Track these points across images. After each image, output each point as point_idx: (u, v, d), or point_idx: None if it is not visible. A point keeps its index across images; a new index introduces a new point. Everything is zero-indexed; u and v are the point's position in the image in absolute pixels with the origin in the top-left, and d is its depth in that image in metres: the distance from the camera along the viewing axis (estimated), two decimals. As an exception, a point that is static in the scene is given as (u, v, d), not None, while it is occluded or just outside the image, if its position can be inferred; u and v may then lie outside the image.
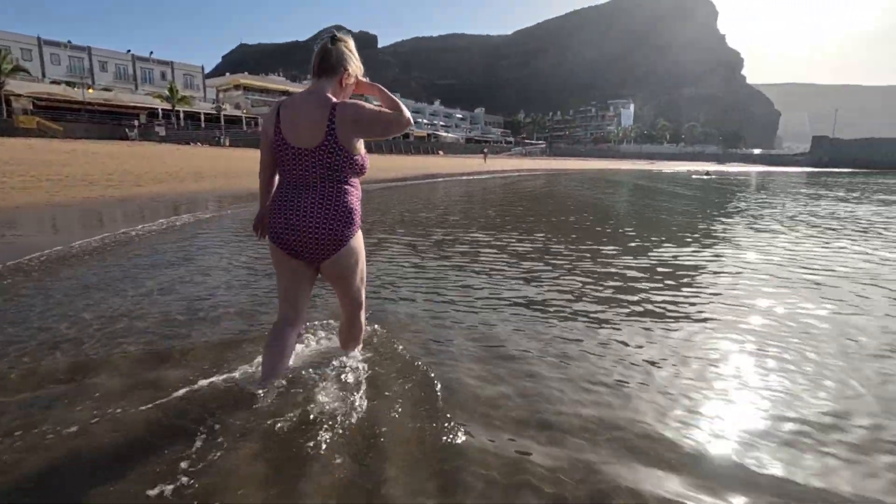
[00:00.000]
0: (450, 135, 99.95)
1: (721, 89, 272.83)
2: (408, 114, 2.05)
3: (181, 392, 2.14)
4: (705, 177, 32.20)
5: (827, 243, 7.09)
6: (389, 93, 2.14)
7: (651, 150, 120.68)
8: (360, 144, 2.04)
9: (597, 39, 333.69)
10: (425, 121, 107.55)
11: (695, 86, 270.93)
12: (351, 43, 2.07)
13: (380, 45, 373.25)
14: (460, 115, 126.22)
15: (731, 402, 2.30)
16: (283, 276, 2.13)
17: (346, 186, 2.01)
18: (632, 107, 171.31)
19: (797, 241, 7.30)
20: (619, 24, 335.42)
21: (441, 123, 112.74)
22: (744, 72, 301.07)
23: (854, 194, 18.93)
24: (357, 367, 2.34)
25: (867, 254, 6.31)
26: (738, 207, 12.84)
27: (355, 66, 2.09)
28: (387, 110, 2.03)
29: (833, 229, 8.69)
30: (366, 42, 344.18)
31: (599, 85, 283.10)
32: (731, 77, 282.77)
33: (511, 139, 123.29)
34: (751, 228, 8.68)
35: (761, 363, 2.75)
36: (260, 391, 2.07)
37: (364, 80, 2.19)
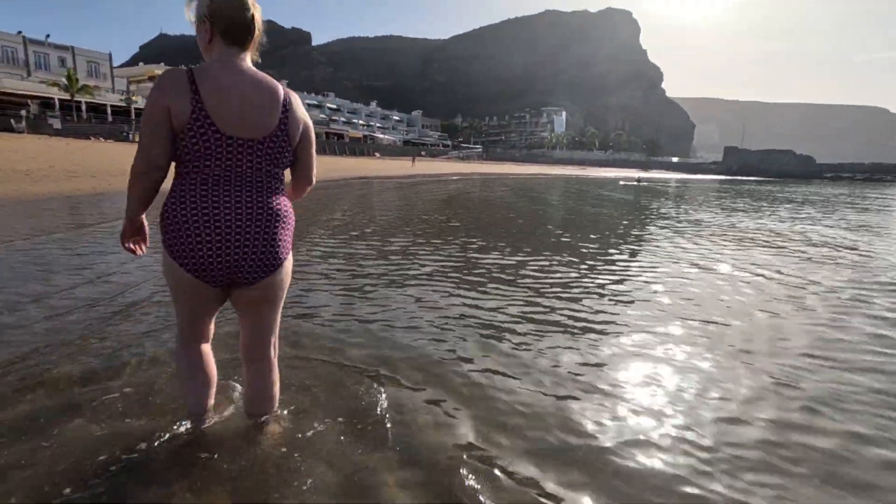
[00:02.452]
0: (386, 137, 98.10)
1: (642, 100, 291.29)
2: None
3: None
4: (637, 183, 33.12)
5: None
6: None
7: (582, 157, 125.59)
8: None
9: (528, 48, 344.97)
10: (361, 122, 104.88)
11: (618, 96, 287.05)
12: None
13: (313, 43, 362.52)
14: (397, 118, 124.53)
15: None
16: (191, 304, 1.64)
17: (283, 186, 1.67)
18: (564, 114, 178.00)
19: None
20: (548, 35, 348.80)
21: (378, 125, 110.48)
22: (663, 85, 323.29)
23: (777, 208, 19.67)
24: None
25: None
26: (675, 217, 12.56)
27: None
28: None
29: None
30: (299, 39, 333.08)
31: (530, 92, 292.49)
32: (651, 89, 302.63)
33: (448, 143, 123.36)
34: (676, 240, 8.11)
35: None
36: (188, 425, 1.83)
37: None
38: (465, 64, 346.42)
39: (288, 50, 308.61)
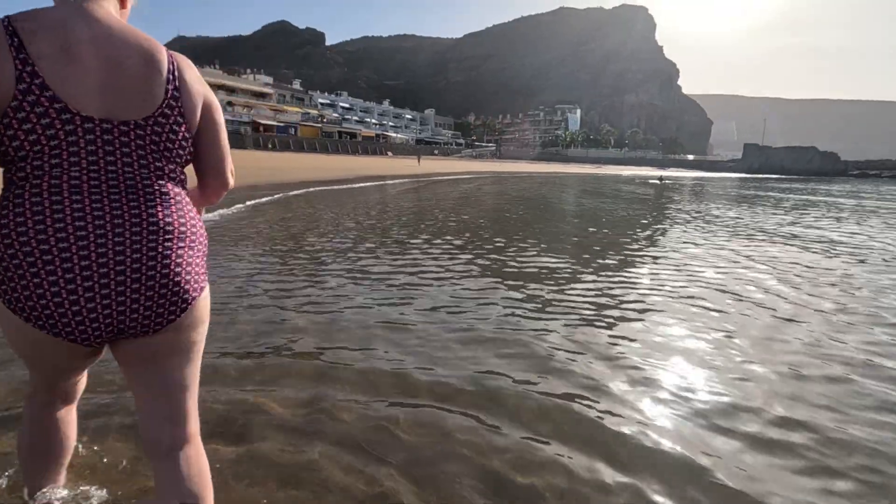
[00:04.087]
0: (399, 135, 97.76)
1: (659, 98, 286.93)
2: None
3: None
4: (660, 182, 32.09)
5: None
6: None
7: (597, 155, 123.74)
8: None
9: (542, 46, 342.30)
10: (374, 121, 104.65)
11: (635, 93, 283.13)
12: None
13: (327, 43, 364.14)
14: (410, 116, 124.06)
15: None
16: (46, 366, 1.16)
17: (180, 190, 1.13)
18: (578, 112, 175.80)
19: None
20: (563, 32, 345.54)
21: (391, 124, 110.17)
22: (680, 82, 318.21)
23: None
24: None
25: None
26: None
27: None
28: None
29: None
30: (313, 39, 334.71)
31: (545, 89, 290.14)
32: (668, 86, 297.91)
33: (461, 141, 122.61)
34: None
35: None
36: None
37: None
38: (479, 63, 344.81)
39: (303, 50, 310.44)
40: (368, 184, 20.28)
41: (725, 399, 2.34)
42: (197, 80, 1.12)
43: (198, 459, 1.19)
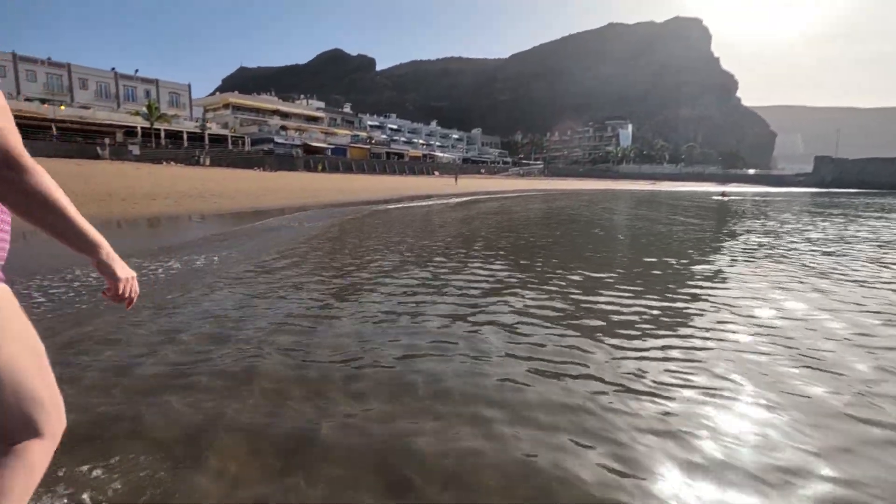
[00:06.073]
0: (446, 155, 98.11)
1: (716, 110, 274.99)
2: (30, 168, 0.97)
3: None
4: (723, 198, 29.65)
5: None
6: None
7: (651, 171, 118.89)
8: None
9: (592, 62, 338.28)
10: (421, 141, 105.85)
11: (690, 107, 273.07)
12: None
13: (377, 69, 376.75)
14: (457, 136, 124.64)
15: None
16: None
17: None
18: (630, 127, 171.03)
19: None
20: (613, 48, 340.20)
21: (438, 144, 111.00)
22: (739, 93, 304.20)
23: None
24: None
25: None
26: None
27: None
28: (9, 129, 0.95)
29: None
30: (364, 65, 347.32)
31: (595, 106, 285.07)
32: (726, 99, 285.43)
33: (508, 159, 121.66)
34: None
35: None
36: None
37: None
38: (526, 81, 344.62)
39: (355, 76, 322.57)
40: (403, 204, 19.64)
41: None
42: None
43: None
